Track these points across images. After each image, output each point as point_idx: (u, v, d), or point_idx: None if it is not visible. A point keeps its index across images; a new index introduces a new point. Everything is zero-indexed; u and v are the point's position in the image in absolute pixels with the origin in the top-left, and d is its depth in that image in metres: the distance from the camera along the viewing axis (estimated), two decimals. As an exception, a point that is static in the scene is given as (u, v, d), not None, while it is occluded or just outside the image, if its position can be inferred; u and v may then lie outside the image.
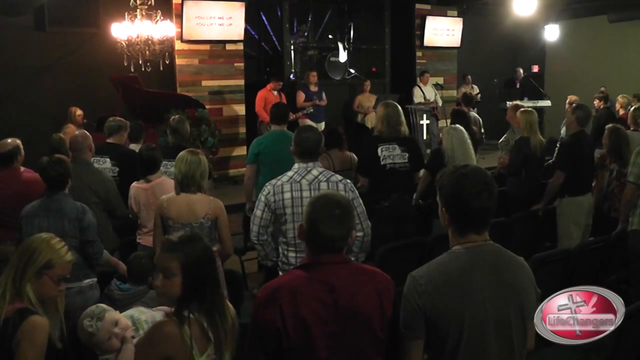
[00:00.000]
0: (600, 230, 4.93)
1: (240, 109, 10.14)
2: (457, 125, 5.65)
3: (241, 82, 10.15)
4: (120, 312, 2.83)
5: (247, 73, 10.39)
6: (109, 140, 5.21)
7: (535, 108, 7.47)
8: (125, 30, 7.91)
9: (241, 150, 9.85)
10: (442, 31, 12.56)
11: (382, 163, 4.73)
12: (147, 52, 7.99)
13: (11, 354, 2.28)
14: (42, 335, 2.33)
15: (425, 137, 10.59)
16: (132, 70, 8.13)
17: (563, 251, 4.48)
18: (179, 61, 9.45)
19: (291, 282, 2.09)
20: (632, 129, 6.13)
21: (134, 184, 4.47)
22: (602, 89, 10.18)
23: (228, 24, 9.61)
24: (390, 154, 4.73)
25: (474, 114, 8.68)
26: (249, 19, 10.31)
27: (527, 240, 5.18)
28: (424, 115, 10.61)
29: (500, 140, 6.92)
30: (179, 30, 9.17)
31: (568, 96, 9.59)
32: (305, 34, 11.67)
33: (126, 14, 7.93)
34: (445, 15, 12.67)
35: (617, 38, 12.86)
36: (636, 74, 12.02)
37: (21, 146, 4.55)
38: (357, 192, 3.52)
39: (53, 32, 8.91)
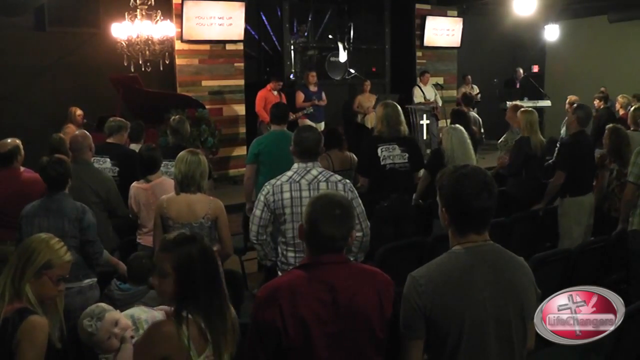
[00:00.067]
0: (601, 230, 4.93)
1: (240, 109, 10.14)
2: (457, 125, 5.64)
3: (241, 82, 10.15)
4: (121, 311, 2.83)
5: (247, 73, 10.38)
6: (109, 140, 5.22)
7: (535, 108, 7.46)
8: (125, 30, 7.91)
9: (241, 150, 9.84)
10: (442, 31, 12.55)
11: (382, 163, 4.72)
12: (147, 52, 8.00)
13: (11, 354, 2.28)
14: (42, 335, 2.33)
15: (425, 137, 10.58)
16: (132, 70, 8.14)
17: (563, 251, 4.48)
18: (179, 61, 9.44)
19: (291, 282, 2.09)
20: (632, 129, 6.14)
21: (134, 184, 4.47)
22: (602, 89, 10.17)
23: (228, 24, 9.61)
24: (390, 154, 4.73)
25: (473, 114, 8.69)
26: (249, 19, 10.31)
27: (527, 240, 5.17)
28: (424, 115, 10.60)
29: (500, 141, 6.91)
30: (179, 30, 9.16)
31: (568, 96, 9.57)
32: (305, 34, 11.67)
33: (126, 14, 7.94)
34: (445, 15, 12.66)
35: (617, 38, 12.84)
36: (636, 74, 12.00)
37: (21, 146, 4.55)
38: (356, 192, 3.52)
39: (53, 32, 8.89)
